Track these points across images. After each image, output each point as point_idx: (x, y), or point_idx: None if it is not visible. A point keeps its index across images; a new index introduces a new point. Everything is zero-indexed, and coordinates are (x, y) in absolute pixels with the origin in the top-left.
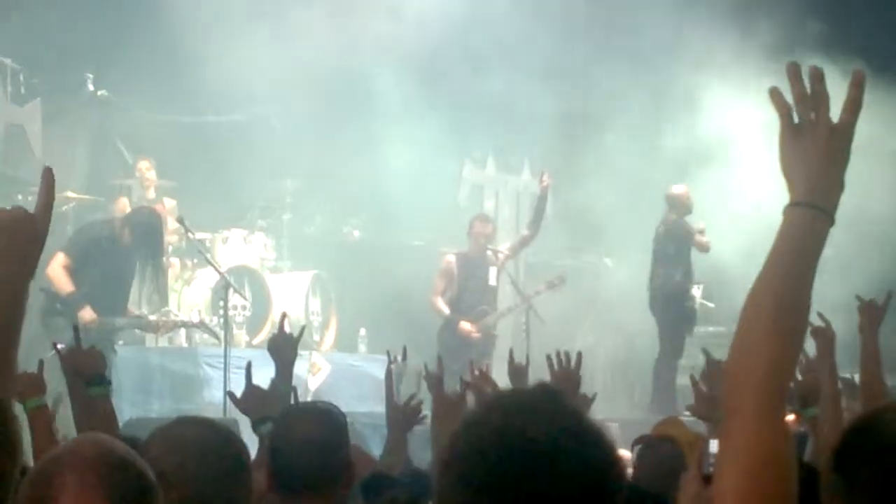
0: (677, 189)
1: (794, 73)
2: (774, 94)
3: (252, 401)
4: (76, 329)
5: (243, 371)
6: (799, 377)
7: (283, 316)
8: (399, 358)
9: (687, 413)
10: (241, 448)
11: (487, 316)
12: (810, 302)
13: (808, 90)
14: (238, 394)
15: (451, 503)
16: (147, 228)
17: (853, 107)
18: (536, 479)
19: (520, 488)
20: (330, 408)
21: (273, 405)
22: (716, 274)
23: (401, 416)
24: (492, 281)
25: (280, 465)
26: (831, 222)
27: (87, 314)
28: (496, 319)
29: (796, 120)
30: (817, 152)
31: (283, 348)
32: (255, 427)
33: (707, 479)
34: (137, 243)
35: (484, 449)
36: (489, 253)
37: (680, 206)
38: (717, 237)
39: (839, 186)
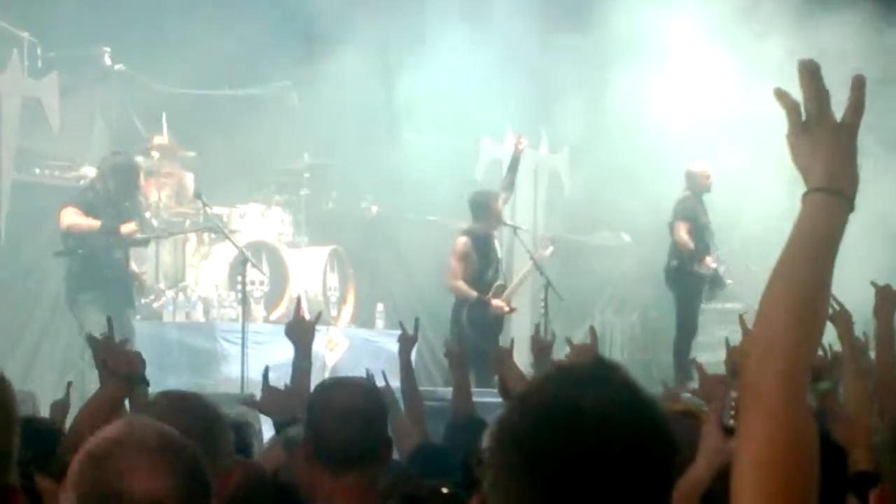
0: (695, 166)
1: (808, 70)
2: (780, 95)
3: (272, 403)
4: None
5: (260, 346)
6: None
7: (300, 300)
8: (410, 329)
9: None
10: (221, 418)
11: (505, 290)
12: (831, 286)
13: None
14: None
15: (505, 475)
16: (116, 168)
17: (856, 109)
18: (588, 449)
19: (571, 457)
20: (365, 381)
21: (297, 405)
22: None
23: (416, 393)
24: (499, 253)
25: (319, 438)
26: (851, 208)
27: (128, 227)
28: (514, 291)
29: (804, 117)
30: (829, 144)
31: (301, 332)
32: (280, 429)
33: (728, 431)
34: (115, 186)
35: (538, 419)
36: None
37: (694, 184)
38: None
39: (855, 176)
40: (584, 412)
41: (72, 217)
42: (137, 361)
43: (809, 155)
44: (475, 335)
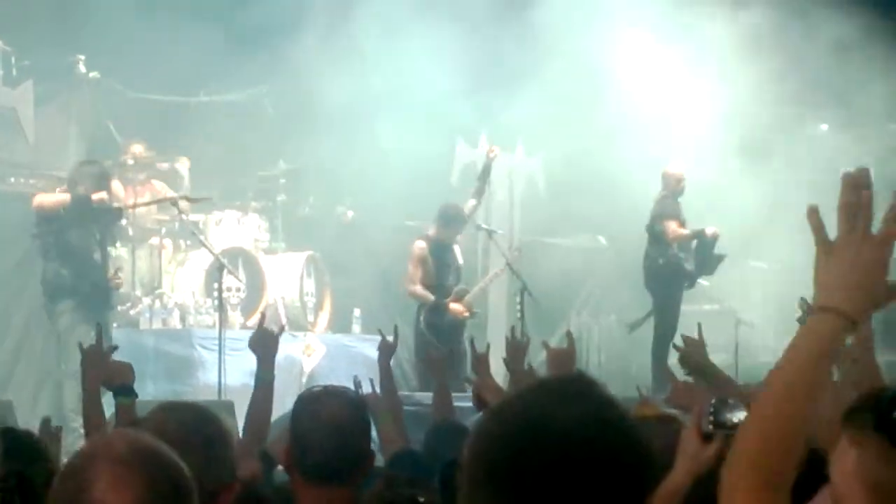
0: (671, 168)
1: (850, 184)
2: (811, 213)
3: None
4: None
5: (237, 353)
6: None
7: (264, 314)
8: (390, 338)
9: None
10: (221, 434)
11: (467, 294)
12: (822, 396)
13: (854, 199)
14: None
15: (476, 488)
16: (85, 175)
17: (891, 223)
18: (556, 467)
19: (540, 474)
20: (350, 392)
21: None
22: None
23: (396, 399)
24: (460, 260)
25: (304, 450)
26: (852, 326)
27: (99, 195)
28: (477, 293)
29: (832, 237)
30: (850, 260)
31: (265, 344)
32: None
33: (706, 438)
34: (86, 192)
35: (508, 435)
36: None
37: (669, 185)
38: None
39: (869, 293)
40: (554, 429)
41: (41, 196)
42: (127, 370)
43: (826, 271)
44: (433, 339)
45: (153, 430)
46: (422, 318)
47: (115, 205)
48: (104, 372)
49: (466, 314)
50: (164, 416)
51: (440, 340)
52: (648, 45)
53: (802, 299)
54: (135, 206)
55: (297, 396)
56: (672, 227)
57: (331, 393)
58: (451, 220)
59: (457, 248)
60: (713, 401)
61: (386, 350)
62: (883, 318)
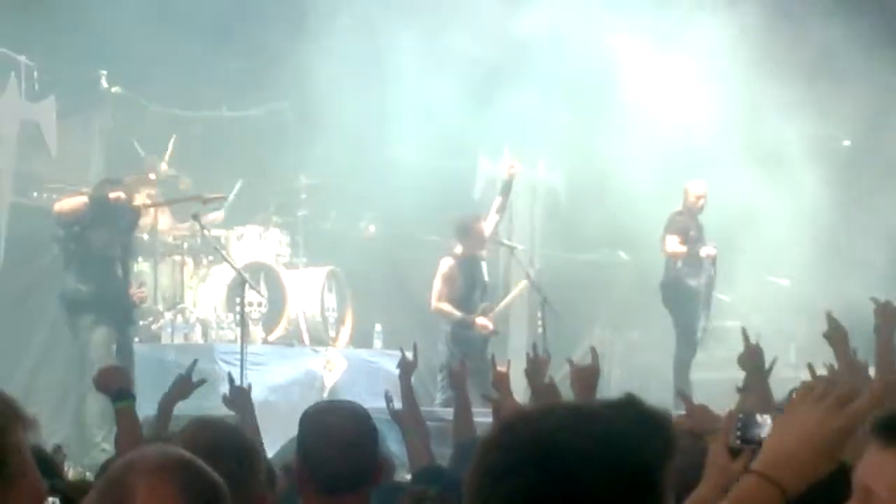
0: (691, 185)
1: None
2: (810, 369)
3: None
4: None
5: (259, 368)
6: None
7: (231, 376)
8: (409, 354)
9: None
10: (252, 446)
11: (493, 310)
12: None
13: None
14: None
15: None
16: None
17: (871, 402)
18: (560, 491)
19: (542, 497)
20: (356, 406)
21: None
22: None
23: (419, 415)
24: (486, 276)
25: (314, 465)
26: (783, 498)
27: (115, 194)
28: (502, 311)
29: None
30: (800, 430)
31: (239, 402)
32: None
33: (734, 454)
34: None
35: (514, 453)
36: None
37: (686, 201)
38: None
39: (814, 470)
40: (557, 452)
41: (60, 202)
42: (123, 375)
43: (780, 435)
44: (459, 355)
45: (186, 444)
46: (448, 334)
47: (134, 204)
48: (100, 379)
49: (491, 329)
50: (197, 430)
51: (466, 356)
52: (670, 56)
53: (829, 314)
54: (152, 205)
55: (303, 412)
56: (672, 241)
57: (334, 409)
58: (461, 229)
59: (483, 265)
60: (740, 416)
61: (406, 368)
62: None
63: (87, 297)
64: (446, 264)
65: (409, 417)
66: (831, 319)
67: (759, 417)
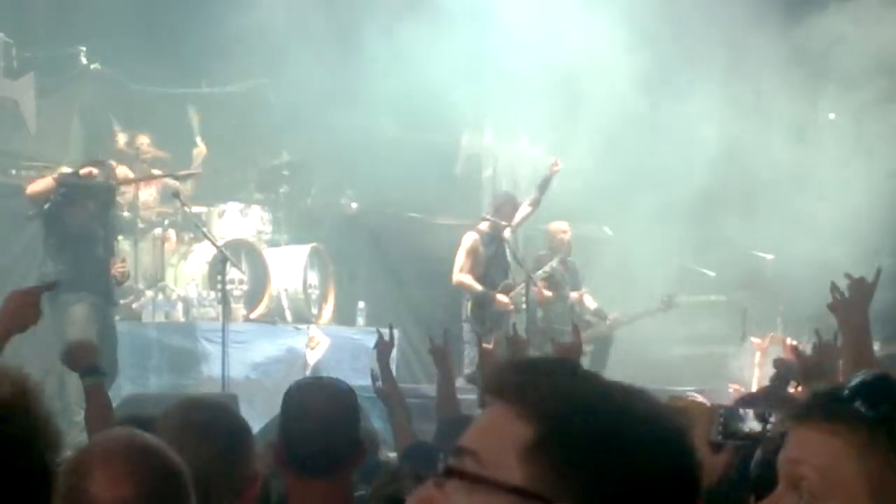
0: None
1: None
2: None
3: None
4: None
5: (241, 346)
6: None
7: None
8: (386, 335)
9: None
10: (244, 426)
11: (513, 289)
12: None
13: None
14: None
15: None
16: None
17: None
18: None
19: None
20: (339, 383)
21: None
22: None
23: (400, 394)
24: (508, 256)
25: (291, 442)
26: None
27: (85, 170)
28: (521, 290)
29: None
30: None
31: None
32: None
33: (715, 447)
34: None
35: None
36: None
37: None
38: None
39: None
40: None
41: (31, 185)
42: (91, 350)
43: None
44: (481, 331)
45: (178, 426)
46: (468, 308)
47: (110, 182)
48: (68, 355)
49: (511, 307)
50: (189, 410)
51: (485, 331)
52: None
53: (833, 284)
54: (127, 181)
55: (286, 391)
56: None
57: (320, 383)
58: (503, 204)
59: (507, 246)
60: (721, 410)
61: (384, 349)
62: (882, 316)
63: (67, 277)
64: (470, 238)
65: (393, 395)
66: (836, 288)
67: (741, 411)
